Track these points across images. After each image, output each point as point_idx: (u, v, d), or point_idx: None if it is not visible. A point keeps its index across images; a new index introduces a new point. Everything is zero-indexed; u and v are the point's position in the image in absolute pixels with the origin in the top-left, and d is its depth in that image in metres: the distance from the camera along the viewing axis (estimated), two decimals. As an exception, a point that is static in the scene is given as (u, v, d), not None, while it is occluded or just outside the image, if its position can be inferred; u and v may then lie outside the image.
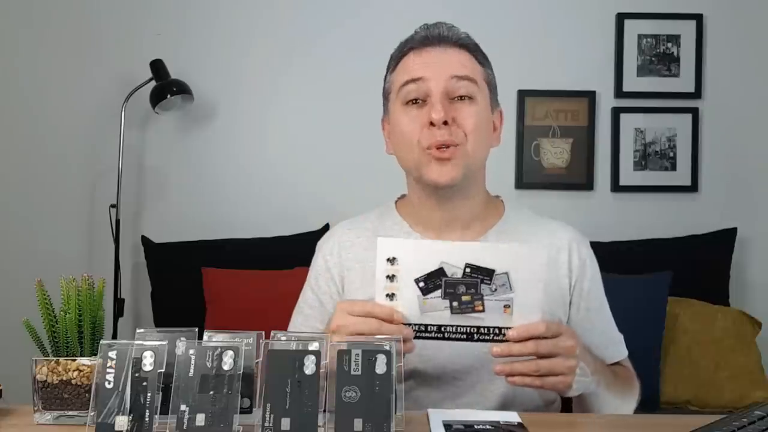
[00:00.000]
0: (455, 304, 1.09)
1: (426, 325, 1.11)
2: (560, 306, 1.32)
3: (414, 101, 1.29)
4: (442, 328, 1.11)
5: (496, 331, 1.10)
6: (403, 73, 1.31)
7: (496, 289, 1.09)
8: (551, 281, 1.30)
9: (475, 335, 1.11)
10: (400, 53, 1.33)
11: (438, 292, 1.09)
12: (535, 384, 1.11)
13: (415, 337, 1.11)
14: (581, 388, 1.16)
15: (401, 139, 1.31)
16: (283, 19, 3.07)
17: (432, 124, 1.25)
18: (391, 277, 1.10)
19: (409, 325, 1.11)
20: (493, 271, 1.08)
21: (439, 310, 1.10)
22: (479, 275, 1.09)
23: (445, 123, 1.25)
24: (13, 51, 3.06)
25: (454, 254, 1.09)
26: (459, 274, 1.09)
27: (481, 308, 1.09)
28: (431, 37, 1.30)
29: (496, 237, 1.34)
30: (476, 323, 1.10)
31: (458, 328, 1.11)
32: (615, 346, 1.38)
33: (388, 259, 1.10)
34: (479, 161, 1.32)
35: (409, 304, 1.10)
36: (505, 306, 1.09)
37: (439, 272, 1.09)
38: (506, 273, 1.08)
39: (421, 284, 1.09)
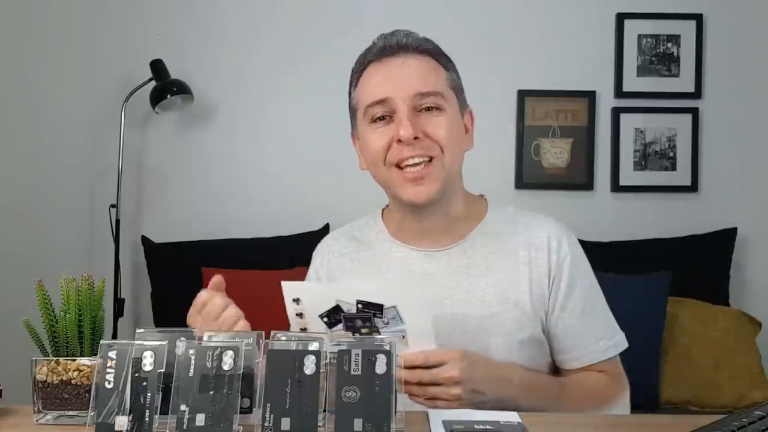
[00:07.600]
0: (356, 336, 1.15)
1: None
2: (541, 306, 1.31)
3: (381, 118, 1.30)
4: None
5: None
6: (366, 91, 1.31)
7: (388, 322, 1.16)
8: (532, 281, 1.30)
9: None
10: (360, 66, 1.33)
11: (341, 326, 1.18)
12: (427, 404, 1.16)
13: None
14: (488, 406, 1.17)
15: (371, 157, 1.33)
16: (283, 19, 3.07)
17: (400, 140, 1.26)
18: (300, 315, 1.19)
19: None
20: (382, 305, 1.15)
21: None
22: (370, 310, 1.16)
23: (416, 138, 1.25)
24: (14, 51, 3.06)
25: (347, 293, 1.16)
26: (354, 310, 1.16)
27: None
28: (389, 46, 1.30)
29: (477, 239, 1.34)
30: None
31: None
32: (593, 346, 1.31)
33: (293, 300, 1.18)
34: (456, 171, 1.33)
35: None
36: (402, 336, 1.16)
37: (337, 309, 1.17)
38: (394, 306, 1.14)
39: (325, 319, 1.18)
